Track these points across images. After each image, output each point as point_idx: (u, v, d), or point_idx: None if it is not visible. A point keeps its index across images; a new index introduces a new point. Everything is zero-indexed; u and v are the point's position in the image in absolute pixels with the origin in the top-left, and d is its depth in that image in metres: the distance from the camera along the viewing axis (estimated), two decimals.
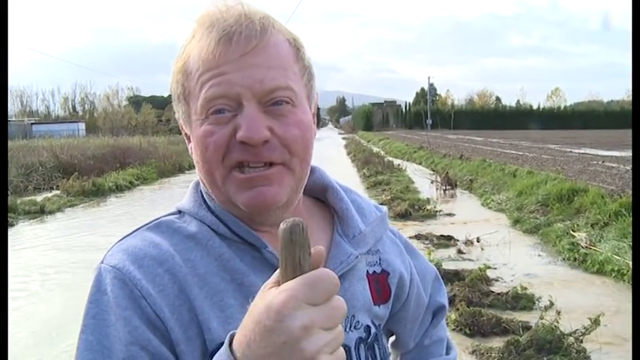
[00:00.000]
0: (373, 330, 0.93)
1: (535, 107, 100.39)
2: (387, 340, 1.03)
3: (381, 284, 0.97)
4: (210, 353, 0.73)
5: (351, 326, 0.90)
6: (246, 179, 0.80)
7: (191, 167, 24.34)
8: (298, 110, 0.83)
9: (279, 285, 0.60)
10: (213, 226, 0.84)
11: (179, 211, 0.89)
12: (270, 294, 0.59)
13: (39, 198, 14.18)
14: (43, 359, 4.81)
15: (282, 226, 0.60)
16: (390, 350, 1.01)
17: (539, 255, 8.00)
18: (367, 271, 0.95)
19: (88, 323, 0.75)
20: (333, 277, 0.60)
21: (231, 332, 0.64)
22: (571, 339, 4.50)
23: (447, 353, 1.12)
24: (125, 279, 0.77)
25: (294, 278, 0.59)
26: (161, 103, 79.31)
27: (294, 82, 0.83)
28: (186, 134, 0.89)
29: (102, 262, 0.80)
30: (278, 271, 0.62)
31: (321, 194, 0.99)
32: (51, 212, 12.89)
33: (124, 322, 0.74)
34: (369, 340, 0.92)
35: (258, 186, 0.80)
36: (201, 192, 0.90)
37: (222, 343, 0.67)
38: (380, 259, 0.98)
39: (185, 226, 0.85)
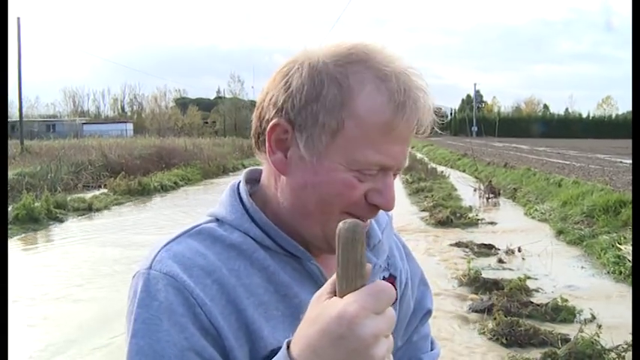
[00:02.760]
0: None
1: (585, 115, 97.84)
2: None
3: None
4: (264, 357, 0.75)
5: None
6: None
7: (235, 169, 24.68)
8: None
9: (336, 293, 0.64)
10: (257, 239, 0.85)
11: (217, 219, 0.88)
12: (339, 304, 0.62)
13: (87, 195, 14.64)
14: (84, 350, 4.97)
15: (342, 225, 0.63)
16: None
17: (582, 267, 7.82)
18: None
19: (139, 328, 0.76)
20: (391, 288, 0.63)
21: (287, 340, 0.66)
22: (612, 354, 4.39)
23: (432, 348, 1.14)
24: (180, 287, 0.77)
25: (355, 276, 0.63)
26: (207, 105, 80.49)
27: None
28: (285, 147, 0.84)
29: (150, 269, 0.80)
30: (331, 280, 0.65)
31: None
32: (98, 210, 13.28)
33: (180, 328, 0.75)
34: None
35: None
36: (240, 200, 0.89)
37: (274, 350, 0.70)
38: (388, 264, 1.01)
39: (227, 235, 0.85)
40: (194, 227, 0.86)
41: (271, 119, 0.83)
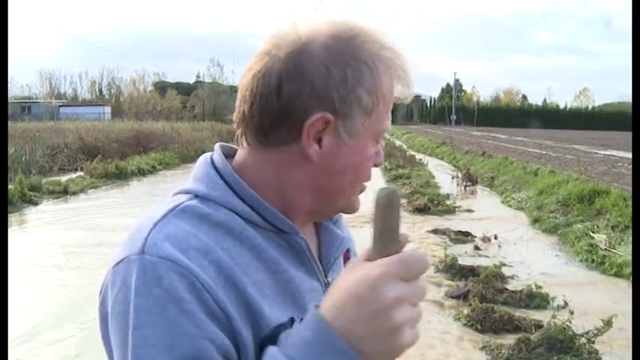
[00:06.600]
0: None
1: (562, 107, 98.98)
2: None
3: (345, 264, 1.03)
4: (266, 336, 0.74)
5: None
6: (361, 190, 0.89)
7: None
8: None
9: (371, 257, 0.66)
10: (245, 215, 0.81)
11: (196, 195, 0.83)
12: (366, 267, 0.65)
13: (63, 179, 14.42)
14: (61, 331, 4.92)
15: (380, 192, 0.66)
16: None
17: (556, 255, 7.95)
18: None
19: (142, 319, 0.70)
20: (425, 258, 0.66)
21: (315, 303, 0.68)
22: (583, 339, 4.48)
23: None
24: (183, 271, 0.71)
25: (388, 241, 0.66)
26: (186, 90, 79.68)
27: None
28: (319, 137, 0.81)
29: (143, 253, 0.73)
30: (369, 247, 0.67)
31: None
32: (74, 193, 13.11)
33: (190, 316, 0.70)
34: None
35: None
36: (220, 175, 0.84)
37: (277, 327, 0.74)
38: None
39: (213, 213, 0.80)
40: (177, 206, 0.80)
41: (309, 112, 0.79)
